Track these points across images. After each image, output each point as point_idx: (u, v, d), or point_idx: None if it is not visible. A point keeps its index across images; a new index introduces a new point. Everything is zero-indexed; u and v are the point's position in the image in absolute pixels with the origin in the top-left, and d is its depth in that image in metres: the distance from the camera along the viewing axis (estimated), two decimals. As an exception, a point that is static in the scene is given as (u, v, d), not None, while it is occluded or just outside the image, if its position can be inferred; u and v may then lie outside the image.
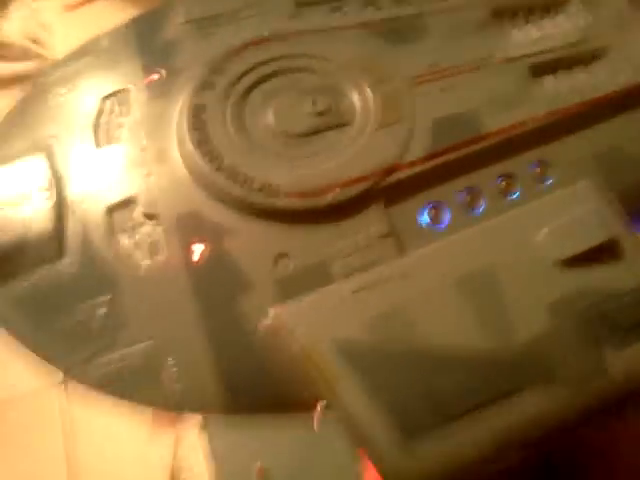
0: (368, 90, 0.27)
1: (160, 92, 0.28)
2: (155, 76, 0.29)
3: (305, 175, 0.25)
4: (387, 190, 0.25)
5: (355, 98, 0.27)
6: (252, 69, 0.27)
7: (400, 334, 0.22)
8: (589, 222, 0.24)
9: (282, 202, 0.24)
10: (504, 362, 0.21)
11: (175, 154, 0.26)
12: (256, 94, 0.27)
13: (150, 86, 0.28)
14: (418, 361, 0.21)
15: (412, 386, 0.21)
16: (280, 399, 0.23)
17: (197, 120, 0.26)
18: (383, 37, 0.28)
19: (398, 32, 0.29)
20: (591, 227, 0.24)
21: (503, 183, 0.26)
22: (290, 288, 0.23)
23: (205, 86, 0.27)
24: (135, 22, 0.31)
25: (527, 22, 0.30)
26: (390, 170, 0.25)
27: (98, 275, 0.24)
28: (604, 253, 0.23)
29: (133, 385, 0.22)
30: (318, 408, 0.22)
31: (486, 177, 0.26)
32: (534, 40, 0.29)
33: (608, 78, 0.28)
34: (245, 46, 0.28)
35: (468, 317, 0.22)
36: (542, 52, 0.28)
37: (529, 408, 0.21)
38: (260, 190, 0.24)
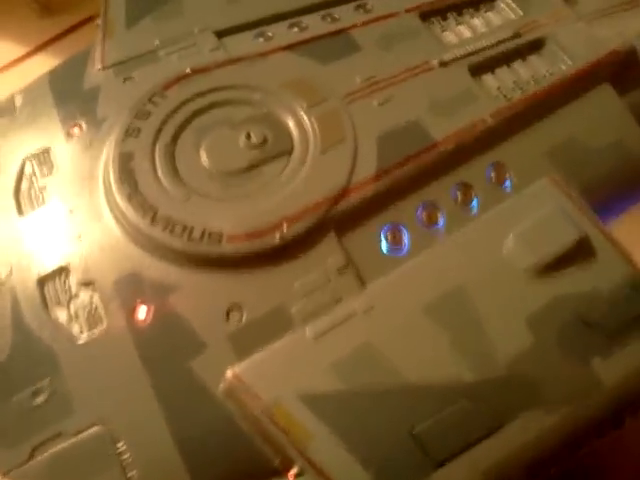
0: (303, 114, 0.25)
1: (82, 146, 0.26)
2: (75, 129, 0.26)
3: (248, 215, 0.23)
4: (339, 218, 0.23)
5: (291, 125, 0.25)
6: (178, 108, 0.25)
7: (371, 376, 0.20)
8: (555, 223, 0.22)
9: (226, 248, 0.22)
10: (490, 391, 0.20)
11: (106, 211, 0.24)
12: (186, 135, 0.25)
13: (71, 141, 0.26)
14: (395, 404, 0.19)
15: (392, 434, 0.19)
16: (248, 471, 0.20)
17: (125, 171, 0.24)
18: (312, 57, 0.27)
19: (326, 50, 0.27)
20: (558, 228, 0.22)
21: (459, 193, 0.24)
22: (247, 342, 0.21)
23: (130, 133, 0.25)
24: (49, 75, 0.29)
25: (458, 24, 0.29)
26: (339, 196, 0.23)
27: (33, 357, 0.22)
28: (575, 254, 0.22)
29: (83, 479, 0.20)
30: (290, 476, 0.19)
31: (441, 189, 0.24)
32: (468, 40, 0.28)
33: (548, 69, 0.27)
34: (167, 85, 0.26)
35: (443, 346, 0.20)
36: (477, 51, 0.27)
37: (526, 438, 0.19)
38: (201, 239, 0.22)
